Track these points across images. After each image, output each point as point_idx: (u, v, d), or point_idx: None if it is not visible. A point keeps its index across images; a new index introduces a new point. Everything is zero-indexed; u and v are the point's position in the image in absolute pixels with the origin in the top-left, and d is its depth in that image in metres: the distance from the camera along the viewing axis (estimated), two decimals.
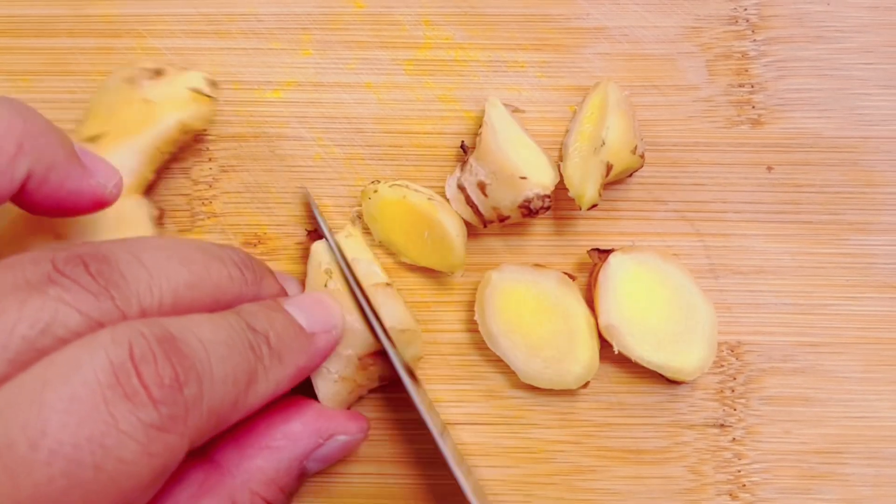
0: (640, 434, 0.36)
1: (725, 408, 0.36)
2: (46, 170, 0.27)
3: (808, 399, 0.36)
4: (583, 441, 0.36)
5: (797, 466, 0.35)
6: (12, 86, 0.39)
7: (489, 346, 0.35)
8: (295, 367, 0.28)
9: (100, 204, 0.30)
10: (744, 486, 0.35)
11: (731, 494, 0.35)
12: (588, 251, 0.36)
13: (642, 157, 0.36)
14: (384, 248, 0.37)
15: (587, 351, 0.35)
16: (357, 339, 0.33)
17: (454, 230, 0.35)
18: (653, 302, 0.35)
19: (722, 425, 0.36)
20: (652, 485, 0.35)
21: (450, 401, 0.36)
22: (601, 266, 0.35)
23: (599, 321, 0.35)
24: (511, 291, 0.35)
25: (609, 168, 0.34)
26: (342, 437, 0.31)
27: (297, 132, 0.38)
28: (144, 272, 0.25)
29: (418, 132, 0.38)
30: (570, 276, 0.35)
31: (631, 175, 0.37)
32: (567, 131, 0.37)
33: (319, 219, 0.35)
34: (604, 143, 0.34)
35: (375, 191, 0.36)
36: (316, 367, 0.31)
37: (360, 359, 0.33)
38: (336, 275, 0.33)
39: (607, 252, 0.35)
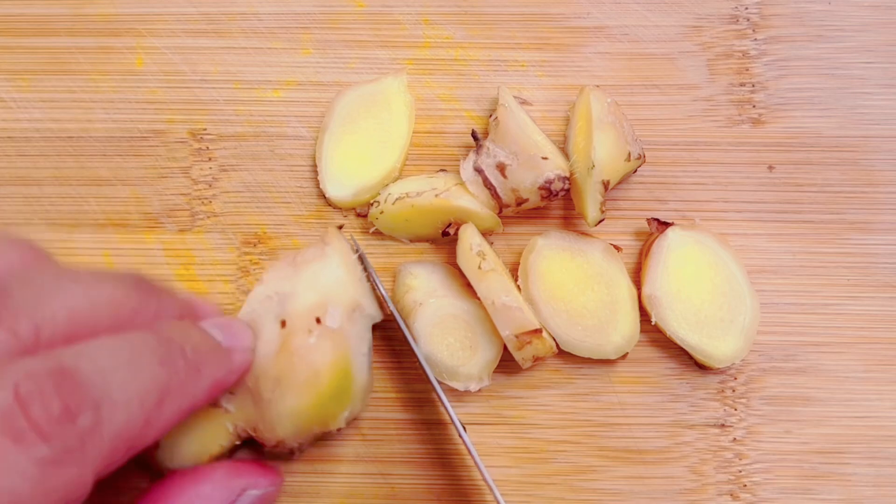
0: (640, 434, 0.36)
1: (726, 407, 0.36)
2: None
3: (808, 399, 0.36)
4: (583, 441, 0.36)
5: (798, 466, 0.35)
6: (12, 85, 0.39)
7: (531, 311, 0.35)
8: (212, 380, 0.28)
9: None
10: (745, 486, 0.35)
11: (731, 494, 0.35)
12: (647, 219, 0.36)
13: (640, 157, 0.36)
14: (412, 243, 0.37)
15: (628, 322, 0.35)
16: (514, 319, 0.33)
17: (475, 205, 0.35)
18: (700, 282, 0.35)
19: (723, 425, 0.36)
20: (653, 485, 0.35)
21: (451, 401, 0.36)
22: (657, 236, 0.35)
23: (643, 290, 0.35)
24: (555, 258, 0.35)
25: (606, 184, 0.34)
26: (254, 492, 0.31)
27: (296, 131, 0.38)
28: (32, 290, 0.25)
29: (419, 131, 0.38)
30: (616, 248, 0.36)
31: (635, 171, 0.37)
32: (566, 138, 0.37)
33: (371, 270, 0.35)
34: (594, 166, 0.34)
35: (381, 212, 0.36)
36: (231, 384, 0.30)
37: (517, 337, 0.33)
38: (489, 256, 0.34)
39: (667, 224, 0.35)
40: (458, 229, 0.35)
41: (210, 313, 0.32)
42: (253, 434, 0.32)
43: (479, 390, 0.36)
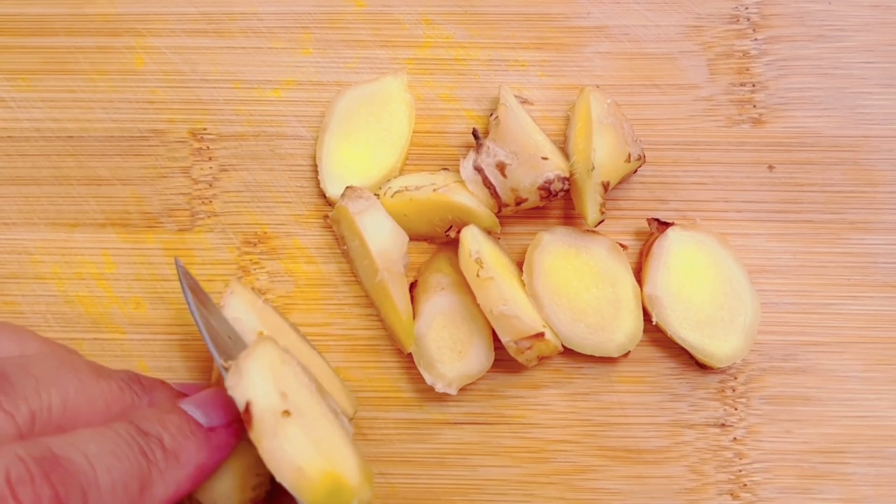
0: (640, 434, 0.36)
1: (726, 407, 0.36)
2: None
3: (808, 398, 0.36)
4: (583, 441, 0.36)
5: (798, 466, 0.35)
6: (12, 85, 0.39)
7: (534, 307, 0.35)
8: (194, 466, 0.29)
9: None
10: (745, 485, 0.35)
11: (731, 494, 0.35)
12: (647, 219, 0.36)
13: (640, 158, 0.36)
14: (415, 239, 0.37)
15: (632, 321, 0.35)
16: (512, 327, 0.33)
17: (474, 202, 0.35)
18: (701, 282, 0.35)
19: (723, 425, 0.36)
20: (653, 484, 0.35)
21: (451, 400, 0.36)
22: (657, 237, 0.35)
23: (644, 290, 0.35)
24: (560, 254, 0.35)
25: (606, 185, 0.34)
26: None
27: (296, 131, 0.38)
28: (32, 379, 0.27)
29: (419, 131, 0.38)
30: (622, 246, 0.36)
31: (635, 171, 0.37)
32: (566, 138, 0.37)
33: (186, 293, 0.34)
34: (594, 167, 0.34)
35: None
36: (218, 462, 0.30)
37: (516, 342, 0.33)
38: (488, 262, 0.33)
39: (667, 224, 0.35)
40: (458, 232, 0.35)
41: (198, 392, 0.32)
42: None
43: (479, 389, 0.36)
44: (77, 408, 0.27)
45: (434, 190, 0.35)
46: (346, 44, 0.39)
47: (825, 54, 0.38)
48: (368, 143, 0.37)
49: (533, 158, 0.34)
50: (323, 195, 0.37)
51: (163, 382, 0.31)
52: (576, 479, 0.35)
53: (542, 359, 0.34)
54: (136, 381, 0.30)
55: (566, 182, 0.34)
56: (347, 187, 0.36)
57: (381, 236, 0.34)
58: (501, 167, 0.34)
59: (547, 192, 0.34)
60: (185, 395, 0.31)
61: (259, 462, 0.32)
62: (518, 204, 0.35)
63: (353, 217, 0.34)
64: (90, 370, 0.29)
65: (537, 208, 0.36)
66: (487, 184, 0.35)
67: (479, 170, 0.35)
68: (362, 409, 0.36)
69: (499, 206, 0.35)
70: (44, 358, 0.29)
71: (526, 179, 0.34)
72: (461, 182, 0.35)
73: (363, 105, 0.37)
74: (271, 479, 0.33)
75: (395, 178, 0.37)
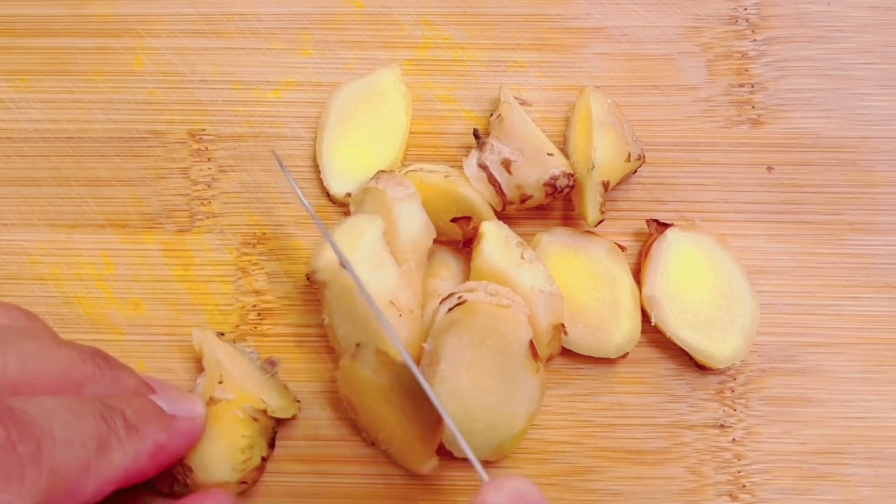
0: (640, 435, 0.36)
1: (725, 408, 0.36)
2: None
3: (808, 399, 0.36)
4: (583, 441, 0.36)
5: (797, 467, 0.35)
6: (11, 86, 0.39)
7: None
8: (153, 442, 0.29)
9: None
10: (744, 486, 0.35)
11: (731, 495, 0.35)
12: (646, 220, 0.36)
13: (639, 158, 0.36)
14: None
15: (630, 322, 0.35)
16: (553, 308, 0.33)
17: (480, 199, 0.35)
18: (700, 283, 0.35)
19: (722, 426, 0.36)
20: (652, 485, 0.35)
21: None
22: (656, 238, 0.35)
23: (643, 291, 0.35)
24: (559, 255, 0.35)
25: (606, 184, 0.34)
26: None
27: (295, 132, 0.38)
28: None
29: (418, 132, 0.38)
30: (621, 247, 0.36)
31: (634, 172, 0.37)
32: (565, 138, 0.37)
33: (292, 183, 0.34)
34: (594, 166, 0.34)
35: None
36: (180, 451, 0.31)
37: (554, 326, 0.33)
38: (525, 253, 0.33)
39: (666, 225, 0.35)
40: (477, 227, 0.34)
41: (165, 389, 0.33)
42: (266, 410, 0.33)
43: None
44: (36, 372, 0.27)
45: (445, 176, 0.35)
46: (345, 45, 0.39)
47: (824, 55, 0.38)
48: (367, 137, 0.37)
49: (539, 154, 0.34)
50: (322, 196, 0.37)
51: (130, 368, 0.32)
52: (575, 480, 0.35)
53: (549, 359, 0.34)
54: (100, 356, 0.30)
55: (572, 178, 0.34)
56: (381, 171, 0.35)
57: (414, 226, 0.34)
58: (507, 164, 0.34)
59: (553, 188, 0.34)
60: (148, 385, 0.32)
61: (237, 421, 0.33)
62: (523, 201, 0.35)
63: (390, 202, 0.34)
64: (52, 339, 0.29)
65: (537, 208, 0.36)
66: (493, 181, 0.35)
67: (483, 167, 0.35)
68: None
69: (503, 204, 0.35)
70: (5, 325, 0.29)
71: (532, 176, 0.34)
72: (467, 179, 0.35)
73: (360, 100, 0.37)
74: (263, 458, 0.34)
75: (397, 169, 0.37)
